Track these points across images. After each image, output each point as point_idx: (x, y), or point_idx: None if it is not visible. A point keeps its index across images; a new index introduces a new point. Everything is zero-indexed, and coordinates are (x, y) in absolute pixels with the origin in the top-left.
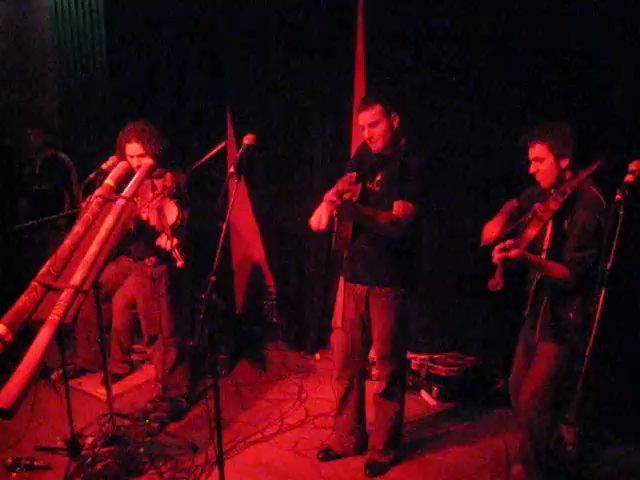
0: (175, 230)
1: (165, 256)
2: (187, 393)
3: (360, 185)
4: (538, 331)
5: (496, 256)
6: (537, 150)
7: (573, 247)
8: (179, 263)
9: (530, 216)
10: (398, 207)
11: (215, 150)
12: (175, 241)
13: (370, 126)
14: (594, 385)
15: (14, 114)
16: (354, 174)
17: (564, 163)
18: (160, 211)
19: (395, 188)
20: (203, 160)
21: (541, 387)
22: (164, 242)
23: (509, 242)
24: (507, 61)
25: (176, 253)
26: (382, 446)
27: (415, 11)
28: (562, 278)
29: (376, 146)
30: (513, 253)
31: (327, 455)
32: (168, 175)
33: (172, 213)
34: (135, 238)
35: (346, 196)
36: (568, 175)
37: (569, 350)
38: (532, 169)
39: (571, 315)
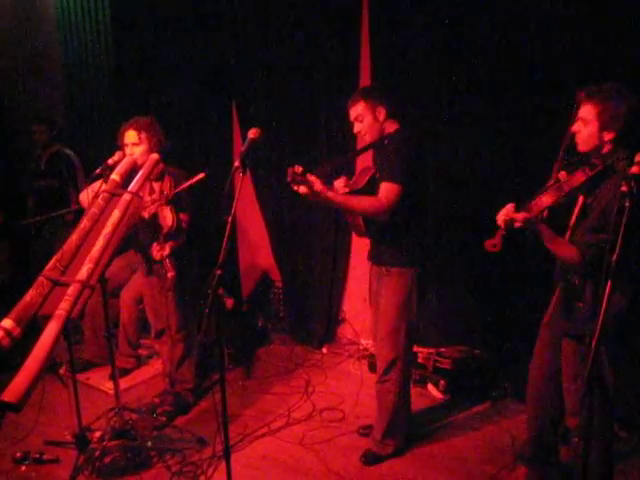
0: (169, 236)
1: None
2: (194, 388)
3: (368, 175)
4: (559, 325)
5: (501, 217)
6: (585, 111)
7: (588, 228)
8: (169, 274)
9: (551, 183)
10: (381, 189)
11: (195, 179)
12: (167, 251)
13: (356, 121)
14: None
15: (20, 110)
16: (369, 166)
17: (608, 136)
18: (155, 218)
19: (382, 173)
20: (184, 186)
21: (577, 392)
22: (156, 252)
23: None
24: (516, 50)
25: (166, 264)
26: (380, 436)
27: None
28: (571, 260)
29: (364, 140)
30: (520, 216)
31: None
32: (167, 179)
33: (166, 220)
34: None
35: (297, 169)
36: (607, 148)
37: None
38: (575, 127)
39: (580, 304)
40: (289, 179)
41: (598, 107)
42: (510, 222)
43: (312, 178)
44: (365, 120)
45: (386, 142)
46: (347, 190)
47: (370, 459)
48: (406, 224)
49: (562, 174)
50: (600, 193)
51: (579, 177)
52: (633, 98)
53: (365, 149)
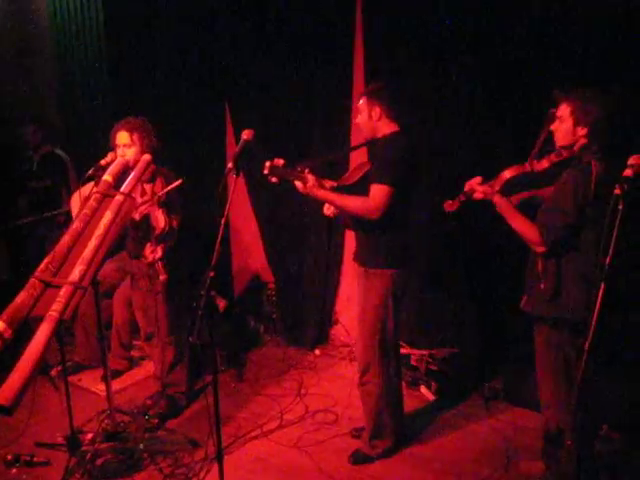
0: (161, 239)
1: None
2: (186, 391)
3: (363, 171)
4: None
5: (466, 186)
6: (561, 109)
7: (544, 208)
8: (161, 277)
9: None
10: (371, 190)
11: (172, 186)
12: (159, 253)
13: (359, 113)
14: (596, 381)
15: (13, 111)
16: (364, 162)
17: (581, 131)
18: (147, 219)
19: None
20: (166, 190)
21: (547, 383)
22: (148, 254)
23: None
24: (509, 57)
25: (159, 266)
26: (367, 438)
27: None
28: (531, 239)
29: (361, 134)
30: (480, 188)
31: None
32: (159, 181)
33: (159, 222)
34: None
35: (277, 162)
36: (581, 142)
37: (552, 333)
38: (553, 126)
39: (542, 285)
40: (266, 171)
41: (572, 105)
42: (471, 191)
43: (308, 176)
44: (362, 116)
45: (378, 143)
46: (335, 185)
47: (359, 459)
48: (385, 226)
49: (534, 161)
50: (559, 179)
51: (544, 163)
52: (607, 98)
53: (355, 148)
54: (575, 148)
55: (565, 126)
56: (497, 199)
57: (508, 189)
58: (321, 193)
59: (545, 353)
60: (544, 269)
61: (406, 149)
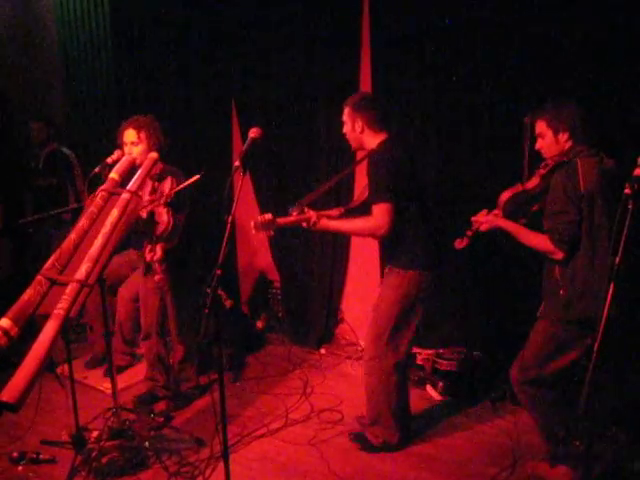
0: (162, 238)
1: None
2: (197, 385)
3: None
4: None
5: (474, 223)
6: (539, 126)
7: (546, 214)
8: (156, 277)
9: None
10: (372, 211)
11: (191, 181)
12: (158, 254)
13: (344, 123)
14: (604, 381)
15: (19, 109)
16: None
17: (563, 137)
18: (150, 217)
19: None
20: (180, 187)
21: (528, 359)
22: (147, 253)
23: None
24: (512, 58)
25: (156, 266)
26: (368, 422)
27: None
28: (545, 248)
29: (351, 145)
30: (482, 219)
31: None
32: (168, 179)
33: (162, 222)
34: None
35: (263, 218)
36: (567, 146)
37: (559, 328)
38: (537, 145)
39: (561, 291)
40: (254, 231)
41: (546, 118)
42: (478, 224)
43: (308, 214)
44: (345, 126)
45: (367, 160)
46: (343, 210)
47: (357, 439)
48: (400, 232)
49: (525, 180)
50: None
51: (535, 179)
52: (573, 101)
53: (348, 171)
54: (562, 154)
55: (547, 139)
56: (502, 222)
57: (514, 213)
58: (325, 226)
59: (533, 336)
60: (562, 275)
61: (396, 157)
